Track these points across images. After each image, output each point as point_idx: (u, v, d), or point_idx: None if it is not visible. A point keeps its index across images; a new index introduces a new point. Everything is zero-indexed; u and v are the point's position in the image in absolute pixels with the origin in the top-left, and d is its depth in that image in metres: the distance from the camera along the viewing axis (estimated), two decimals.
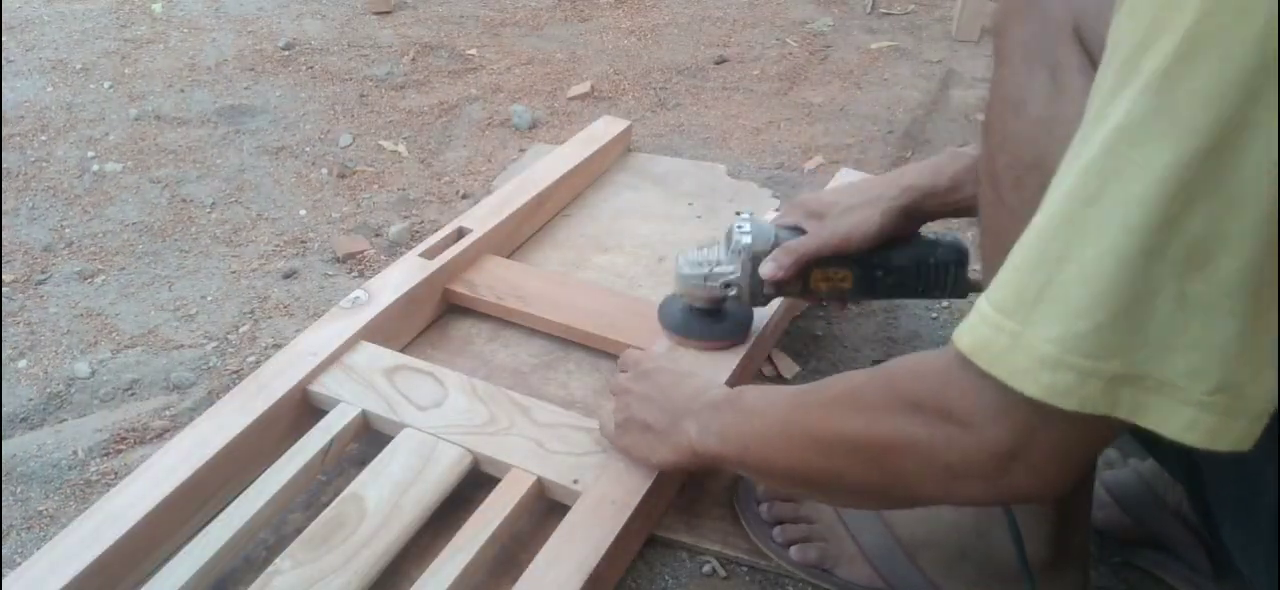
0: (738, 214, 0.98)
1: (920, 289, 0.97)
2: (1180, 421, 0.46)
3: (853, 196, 0.94)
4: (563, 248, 1.30)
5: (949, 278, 0.97)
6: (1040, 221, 0.49)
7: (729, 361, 0.98)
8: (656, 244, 1.30)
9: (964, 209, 0.91)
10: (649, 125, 1.67)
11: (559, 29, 2.10)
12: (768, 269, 0.92)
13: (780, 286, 0.93)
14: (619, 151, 1.52)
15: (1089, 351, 0.46)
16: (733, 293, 0.95)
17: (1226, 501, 0.63)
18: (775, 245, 0.92)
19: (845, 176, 1.35)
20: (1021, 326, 0.48)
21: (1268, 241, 0.43)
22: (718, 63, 1.94)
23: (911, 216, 0.93)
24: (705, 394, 0.79)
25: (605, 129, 1.49)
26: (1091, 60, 0.63)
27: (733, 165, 1.52)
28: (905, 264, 0.94)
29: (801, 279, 0.92)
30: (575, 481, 0.86)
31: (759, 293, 0.94)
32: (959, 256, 0.97)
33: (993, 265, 0.71)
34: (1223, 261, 0.43)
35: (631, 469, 0.86)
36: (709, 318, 0.98)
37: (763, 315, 1.03)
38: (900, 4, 2.25)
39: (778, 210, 0.97)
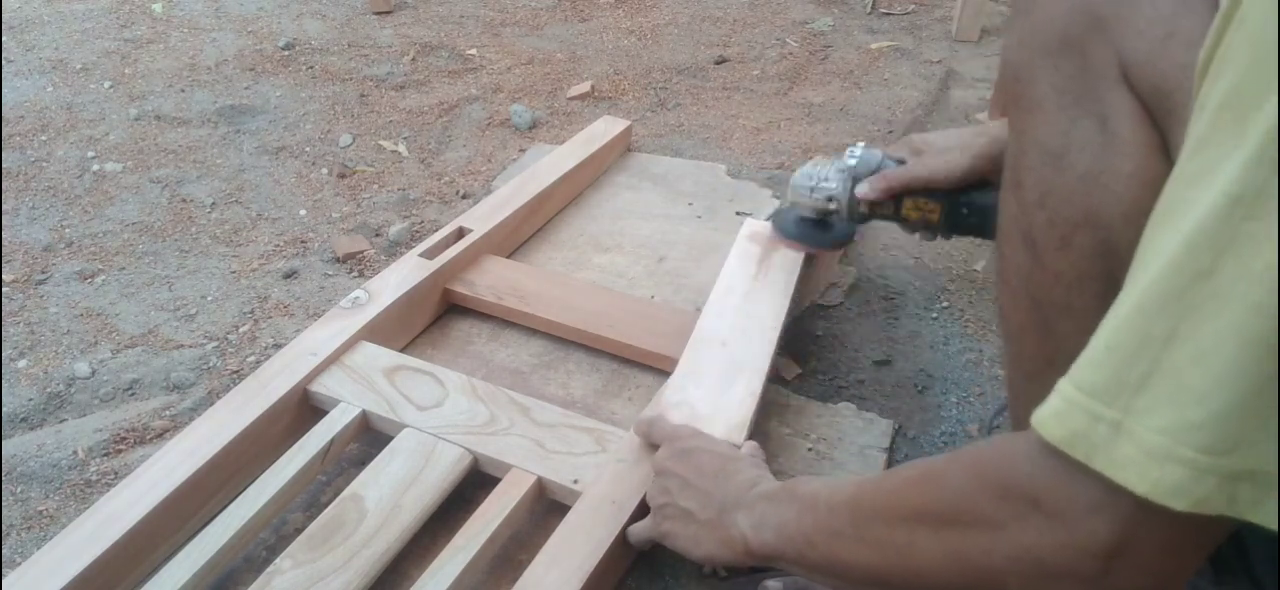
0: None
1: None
2: None
3: (949, 140, 1.00)
4: (563, 248, 1.30)
5: None
6: (1138, 296, 0.44)
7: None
8: (656, 244, 1.30)
9: None
10: (649, 125, 1.67)
11: (559, 29, 2.10)
12: (862, 190, 1.01)
13: (873, 207, 1.02)
14: (619, 151, 1.52)
15: (1205, 445, 0.41)
16: (834, 206, 1.04)
17: None
18: (876, 171, 1.01)
19: None
20: (1123, 414, 0.43)
21: None
22: (718, 63, 1.94)
23: (997, 165, 0.95)
24: (757, 485, 0.74)
25: (605, 129, 1.49)
26: (1145, 107, 0.59)
27: (733, 165, 1.52)
28: (987, 204, 1.00)
29: (894, 204, 1.01)
30: (575, 481, 0.86)
31: (856, 210, 1.03)
32: None
33: (1024, 330, 0.68)
34: None
35: (632, 469, 0.86)
36: (817, 227, 1.08)
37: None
38: (900, 4, 2.25)
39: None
